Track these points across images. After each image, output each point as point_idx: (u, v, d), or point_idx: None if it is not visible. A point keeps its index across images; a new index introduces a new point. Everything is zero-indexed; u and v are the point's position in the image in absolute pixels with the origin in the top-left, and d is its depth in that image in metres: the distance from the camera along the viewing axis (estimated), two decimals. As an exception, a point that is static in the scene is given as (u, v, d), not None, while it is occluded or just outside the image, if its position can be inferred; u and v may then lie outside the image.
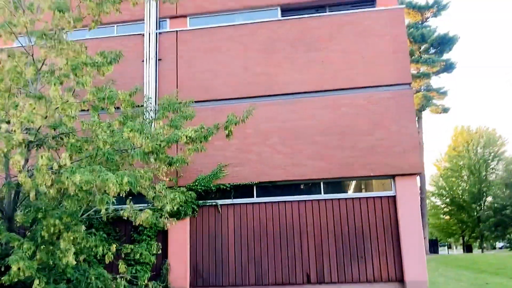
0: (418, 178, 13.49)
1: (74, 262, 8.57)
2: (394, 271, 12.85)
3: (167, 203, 11.07)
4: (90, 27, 10.85)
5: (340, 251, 13.18)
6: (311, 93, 14.11)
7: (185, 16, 15.51)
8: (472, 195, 50.18)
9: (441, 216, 56.08)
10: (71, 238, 8.67)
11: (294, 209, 13.67)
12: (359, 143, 13.49)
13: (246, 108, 13.96)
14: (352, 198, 13.50)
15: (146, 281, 10.13)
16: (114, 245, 10.39)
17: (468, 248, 55.55)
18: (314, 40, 14.43)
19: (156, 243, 11.47)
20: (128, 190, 8.60)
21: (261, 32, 14.79)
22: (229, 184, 13.84)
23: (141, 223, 10.32)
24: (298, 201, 13.71)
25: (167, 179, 13.23)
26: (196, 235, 13.96)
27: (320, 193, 13.72)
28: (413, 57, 36.21)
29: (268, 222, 13.68)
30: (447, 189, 52.74)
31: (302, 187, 14.03)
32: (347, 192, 13.89)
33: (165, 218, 10.97)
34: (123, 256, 10.97)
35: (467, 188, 51.20)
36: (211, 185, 13.85)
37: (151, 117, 13.86)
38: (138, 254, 10.54)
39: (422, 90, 37.45)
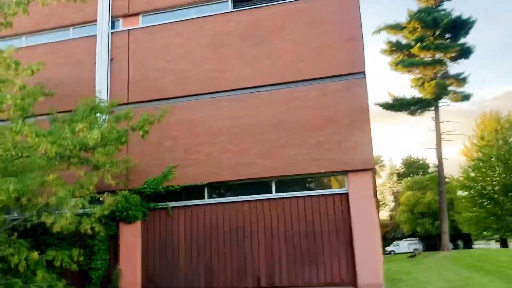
0: (371, 174, 12.53)
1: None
2: (347, 274, 12.00)
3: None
4: None
5: (291, 253, 12.45)
6: (260, 87, 13.45)
7: (137, 15, 15.16)
8: (504, 187, 47.41)
9: (473, 209, 53.41)
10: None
11: (245, 210, 13.05)
12: (309, 139, 12.70)
13: (196, 105, 13.53)
14: (304, 197, 12.73)
15: (61, 290, 9.84)
16: (35, 253, 10.16)
17: (503, 243, 52.68)
18: (264, 32, 13.73)
19: (79, 249, 11.18)
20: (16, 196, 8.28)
21: (210, 26, 14.23)
22: (178, 186, 13.39)
23: (59, 230, 10.06)
24: (249, 201, 13.07)
25: (114, 182, 12.92)
26: (147, 239, 13.59)
27: (271, 192, 13.02)
28: (424, 43, 34.40)
29: (219, 224, 13.14)
30: (478, 180, 50.10)
31: (254, 186, 13.36)
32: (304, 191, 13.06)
33: (91, 223, 10.62)
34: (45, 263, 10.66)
35: (498, 179, 48.42)
36: (160, 187, 13.43)
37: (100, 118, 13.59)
38: (59, 262, 10.26)
39: (438, 78, 35.52)
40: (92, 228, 10.66)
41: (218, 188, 13.53)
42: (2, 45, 15.21)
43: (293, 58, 13.31)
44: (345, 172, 12.43)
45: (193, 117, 13.75)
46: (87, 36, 15.28)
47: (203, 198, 13.49)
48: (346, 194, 12.36)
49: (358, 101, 12.59)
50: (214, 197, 13.44)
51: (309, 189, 12.88)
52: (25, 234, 11.99)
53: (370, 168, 12.26)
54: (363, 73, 12.77)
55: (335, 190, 12.54)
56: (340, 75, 12.86)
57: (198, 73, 13.97)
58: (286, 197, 12.83)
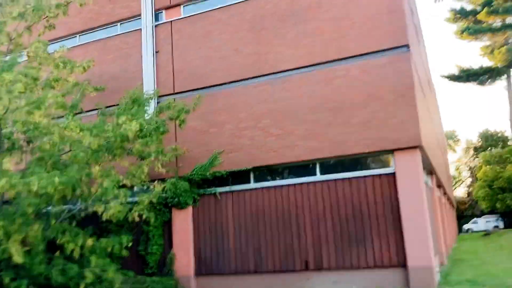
0: (419, 153, 11.92)
1: (21, 260, 9.07)
2: (396, 256, 11.61)
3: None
4: (40, 33, 11.18)
5: (338, 235, 12.25)
6: (302, 68, 13.19)
7: (178, 5, 15.37)
8: None
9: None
10: (20, 237, 9.17)
11: (291, 194, 12.99)
12: (353, 118, 12.32)
13: (239, 91, 13.61)
14: (349, 178, 12.43)
15: (111, 274, 10.37)
16: (89, 240, 10.81)
17: None
18: (303, 11, 13.41)
19: (127, 236, 11.67)
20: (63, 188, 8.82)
21: (249, 10, 14.13)
22: (224, 171, 13.59)
23: (108, 218, 10.62)
24: (295, 184, 13.00)
25: (164, 170, 13.38)
26: (198, 224, 13.98)
27: (316, 175, 12.84)
28: (492, 7, 31.89)
29: (265, 208, 13.20)
30: None
31: (299, 169, 13.23)
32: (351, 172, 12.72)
33: (139, 211, 11.10)
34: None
35: None
36: (207, 174, 13.71)
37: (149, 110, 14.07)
38: (110, 248, 10.82)
39: (509, 44, 32.90)
40: (140, 216, 11.12)
41: (264, 172, 13.55)
42: (57, 45, 16.26)
43: (333, 35, 12.90)
44: (391, 151, 11.95)
45: (236, 102, 13.82)
46: (133, 30, 15.77)
47: (249, 182, 13.59)
48: (393, 174, 11.90)
49: (402, 76, 11.98)
50: (260, 182, 13.48)
51: (355, 170, 12.50)
52: (89, 222, 12.76)
53: (417, 146, 11.67)
54: (407, 46, 12.10)
55: (381, 171, 12.11)
56: (382, 50, 12.29)
57: (239, 58, 13.98)
58: (331, 179, 12.60)
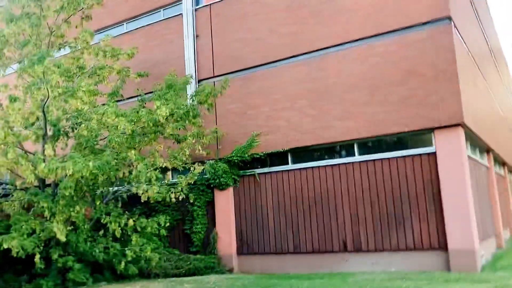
0: (462, 131, 11.28)
1: (64, 238, 9.77)
2: (437, 238, 11.19)
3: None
4: (77, 24, 11.69)
5: (377, 216, 11.99)
6: (338, 46, 12.85)
7: (217, -12, 15.43)
8: None
9: None
10: (63, 217, 9.86)
11: (329, 174, 12.85)
12: (391, 96, 11.88)
13: (275, 72, 13.58)
14: (388, 159, 12.05)
15: (148, 253, 10.89)
16: (131, 220, 11.43)
17: None
18: (339, -13, 12.97)
19: (165, 216, 12.09)
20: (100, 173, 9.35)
21: (286, -12, 13.88)
22: (262, 153, 13.68)
23: (145, 199, 11.14)
24: (332, 165, 12.83)
25: (205, 152, 13.75)
26: (239, 205, 14.24)
27: (354, 155, 12.57)
28: None
29: (303, 189, 13.17)
30: None
31: (337, 150, 13.03)
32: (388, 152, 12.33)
33: (175, 192, 11.53)
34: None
35: None
36: (246, 155, 13.87)
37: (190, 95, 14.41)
38: (149, 227, 11.33)
39: None
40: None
41: (301, 153, 13.47)
42: (106, 33, 16.96)
43: (370, 10, 12.41)
44: (431, 130, 11.42)
45: (272, 83, 13.77)
46: (175, 16, 16.06)
47: (287, 164, 13.59)
48: (434, 154, 11.39)
49: (443, 51, 11.33)
50: (298, 163, 13.43)
51: (394, 150, 12.09)
52: (139, 203, 13.45)
53: (459, 124, 11.05)
54: (449, 18, 11.38)
55: (422, 150, 11.62)
56: (421, 24, 11.66)
57: (275, 38, 13.86)
58: (369, 160, 12.29)
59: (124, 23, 17.50)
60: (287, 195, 13.44)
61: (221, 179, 14.14)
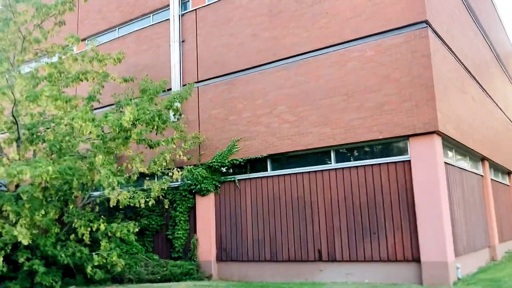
0: (438, 138, 10.90)
1: (26, 242, 9.80)
2: (411, 250, 10.81)
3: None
4: (48, 29, 11.80)
5: (352, 225, 11.68)
6: (317, 51, 12.64)
7: (203, -7, 15.42)
8: None
9: None
10: (26, 221, 9.91)
11: (306, 182, 12.61)
12: (367, 102, 11.59)
13: (256, 77, 13.48)
14: (364, 166, 11.75)
15: (115, 258, 10.82)
16: (102, 225, 11.43)
17: None
18: (318, -9, 12.77)
19: (134, 223, 12.00)
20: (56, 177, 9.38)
21: (267, -7, 13.75)
22: (241, 158, 13.54)
23: (114, 204, 11.12)
24: (309, 172, 12.58)
25: (185, 158, 13.74)
26: (220, 211, 14.11)
27: (331, 163, 12.31)
28: None
29: (281, 196, 12.96)
30: None
31: (315, 156, 12.77)
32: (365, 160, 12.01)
33: (144, 197, 11.49)
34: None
35: None
36: (226, 161, 13.75)
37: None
38: (118, 233, 11.29)
39: None
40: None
41: (280, 159, 13.28)
42: (100, 39, 17.16)
43: (348, 14, 12.17)
44: (406, 137, 11.07)
45: (254, 88, 13.64)
46: (163, 21, 16.10)
47: (266, 170, 13.41)
48: (409, 162, 11.04)
49: (419, 55, 11.00)
50: (277, 169, 13.24)
51: (370, 157, 11.78)
52: (127, 208, 13.51)
53: (434, 131, 10.68)
54: (425, 22, 11.04)
55: (396, 158, 11.28)
56: (398, 28, 11.37)
57: (257, 43, 13.73)
58: (345, 167, 12.01)
59: (117, 28, 17.67)
60: (265, 202, 13.25)
61: (202, 185, 14.05)
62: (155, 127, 11.40)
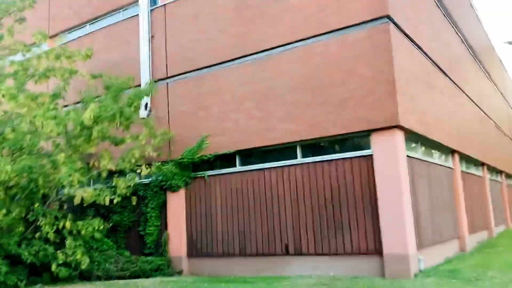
0: (400, 133, 11.03)
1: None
2: (374, 243, 10.96)
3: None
4: (9, 27, 11.69)
5: (317, 220, 11.79)
6: (282, 46, 12.67)
7: (173, -13, 15.34)
8: None
9: None
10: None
11: (273, 177, 12.68)
12: (331, 97, 11.66)
13: (224, 73, 13.47)
14: (329, 161, 11.84)
15: (79, 256, 10.82)
16: (68, 223, 11.41)
17: None
18: (284, -15, 12.78)
19: (99, 220, 11.95)
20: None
21: (235, -12, 13.73)
22: (210, 154, 13.56)
23: (78, 202, 11.11)
24: (276, 167, 12.66)
25: (155, 154, 13.71)
26: (190, 207, 14.14)
27: (297, 158, 12.39)
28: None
29: (249, 191, 13.03)
30: None
31: (282, 152, 12.84)
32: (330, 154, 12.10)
33: (109, 195, 11.48)
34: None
35: None
36: (195, 157, 13.77)
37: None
38: (83, 231, 11.27)
39: None
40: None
41: (249, 155, 13.34)
42: (71, 35, 17.00)
43: (313, 9, 12.20)
44: (369, 132, 11.18)
45: (222, 84, 13.64)
46: (132, 16, 16.00)
47: (235, 166, 13.46)
48: (371, 157, 11.15)
49: (381, 50, 11.08)
50: (245, 165, 13.29)
51: (335, 152, 11.88)
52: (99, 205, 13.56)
53: (395, 126, 10.79)
54: (387, 17, 11.12)
55: (359, 153, 11.39)
56: (361, 23, 11.43)
57: (225, 39, 13.72)
58: (311, 162, 12.10)
59: (87, 24, 17.51)
60: (234, 198, 13.30)
61: (172, 181, 14.07)
62: (118, 124, 11.35)
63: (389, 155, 10.86)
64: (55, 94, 12.34)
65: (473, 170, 20.29)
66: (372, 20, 11.29)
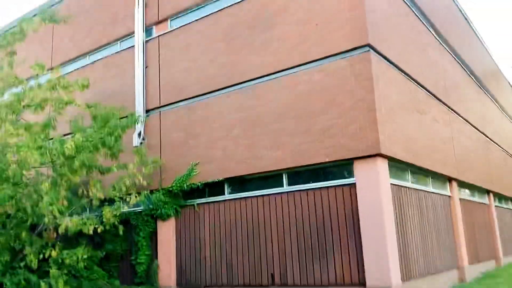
0: (383, 161, 10.91)
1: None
2: (357, 274, 10.73)
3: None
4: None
5: (303, 249, 11.64)
6: (268, 75, 12.78)
7: (166, 20, 15.70)
8: None
9: None
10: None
11: (260, 205, 12.63)
12: (315, 126, 11.66)
13: (214, 101, 13.63)
14: (313, 189, 11.76)
15: (61, 286, 10.82)
16: (54, 251, 11.50)
17: None
18: (270, 16, 13.01)
19: (83, 249, 12.00)
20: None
21: (224, 20, 14.02)
22: (200, 182, 13.59)
23: (63, 231, 11.20)
24: (263, 195, 12.61)
25: (145, 183, 13.83)
26: (180, 236, 14.13)
27: (283, 186, 12.34)
28: None
29: (237, 220, 12.97)
30: None
31: (269, 180, 12.80)
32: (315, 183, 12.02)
33: (94, 224, 11.56)
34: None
35: None
36: (184, 185, 13.82)
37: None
38: (68, 260, 11.33)
39: None
40: (95, 229, 11.57)
41: (237, 183, 13.33)
42: (73, 65, 17.50)
43: (297, 39, 12.34)
44: (351, 160, 11.09)
45: (211, 113, 13.78)
46: (129, 47, 16.40)
47: (224, 194, 13.45)
48: (354, 185, 11.04)
49: (362, 79, 11.09)
50: (234, 193, 13.28)
51: (319, 180, 11.80)
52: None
53: (376, 154, 10.70)
54: (368, 45, 11.17)
55: (343, 181, 11.29)
56: (342, 52, 11.49)
57: (214, 68, 13.92)
58: (296, 190, 12.03)
59: (88, 55, 18.00)
60: (222, 226, 13.25)
61: (163, 210, 14.11)
62: (103, 154, 11.53)
63: (371, 184, 10.73)
64: (46, 124, 12.60)
65: (476, 197, 19.84)
66: (353, 49, 11.34)
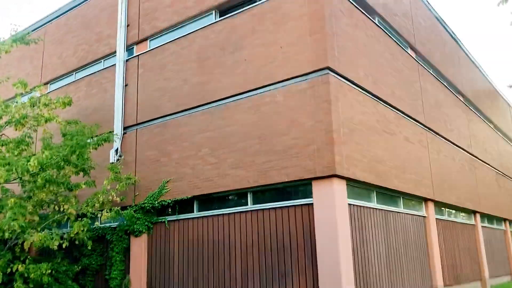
0: (340, 181, 11.02)
1: None
2: (313, 295, 10.79)
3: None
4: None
5: (263, 269, 11.74)
6: (236, 95, 13.04)
7: (146, 40, 16.12)
8: None
9: None
10: None
11: (225, 223, 12.79)
12: (277, 146, 11.84)
13: (185, 120, 13.90)
14: (275, 208, 11.90)
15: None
16: (20, 266, 11.77)
17: None
18: (239, 39, 13.31)
19: (47, 264, 12.22)
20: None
21: (197, 41, 14.36)
22: (170, 200, 13.82)
23: (28, 246, 11.47)
24: (229, 213, 12.78)
25: (118, 199, 14.13)
26: (151, 252, 14.32)
27: (247, 204, 12.50)
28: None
29: (204, 238, 13.14)
30: None
31: (235, 198, 12.99)
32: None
33: (58, 239, 11.83)
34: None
35: None
36: (156, 202, 14.05)
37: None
38: (32, 274, 11.56)
39: None
40: (60, 245, 11.83)
41: (206, 201, 13.53)
42: (59, 83, 17.97)
43: (263, 61, 12.60)
44: (309, 180, 11.23)
45: (182, 131, 14.06)
46: (110, 66, 16.83)
47: (193, 212, 13.65)
48: (312, 205, 11.16)
49: (321, 101, 11.28)
50: (202, 211, 13.47)
51: (280, 200, 11.94)
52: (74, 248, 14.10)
53: (332, 175, 10.82)
54: (328, 68, 11.37)
55: (302, 201, 11.41)
56: (304, 74, 11.71)
57: (187, 88, 14.23)
58: (260, 209, 12.18)
59: (74, 73, 18.49)
60: (191, 244, 13.42)
61: (135, 226, 14.34)
62: (70, 170, 11.87)
63: (327, 204, 10.84)
64: (20, 141, 12.98)
65: (459, 218, 19.73)
66: (313, 71, 11.55)
